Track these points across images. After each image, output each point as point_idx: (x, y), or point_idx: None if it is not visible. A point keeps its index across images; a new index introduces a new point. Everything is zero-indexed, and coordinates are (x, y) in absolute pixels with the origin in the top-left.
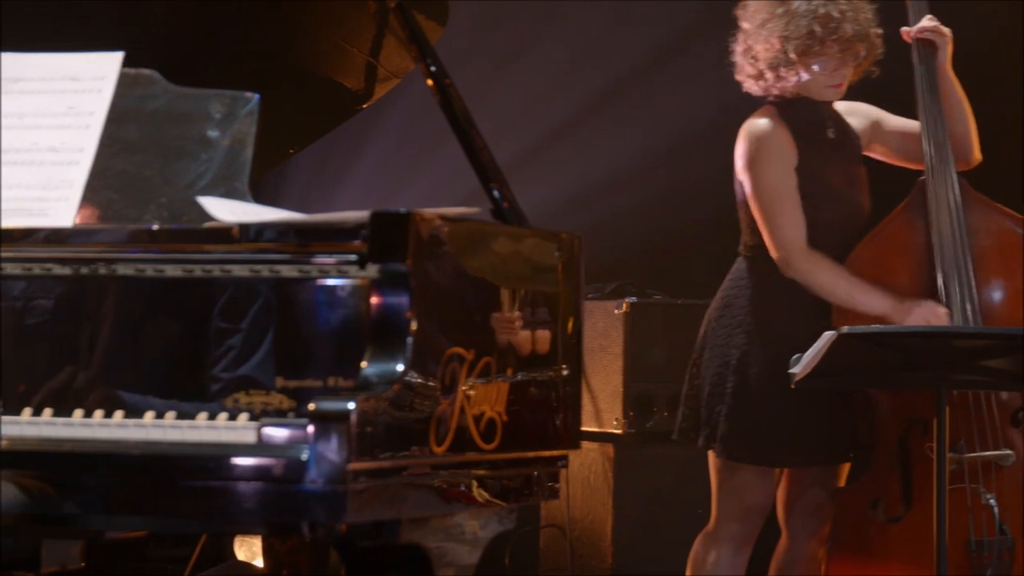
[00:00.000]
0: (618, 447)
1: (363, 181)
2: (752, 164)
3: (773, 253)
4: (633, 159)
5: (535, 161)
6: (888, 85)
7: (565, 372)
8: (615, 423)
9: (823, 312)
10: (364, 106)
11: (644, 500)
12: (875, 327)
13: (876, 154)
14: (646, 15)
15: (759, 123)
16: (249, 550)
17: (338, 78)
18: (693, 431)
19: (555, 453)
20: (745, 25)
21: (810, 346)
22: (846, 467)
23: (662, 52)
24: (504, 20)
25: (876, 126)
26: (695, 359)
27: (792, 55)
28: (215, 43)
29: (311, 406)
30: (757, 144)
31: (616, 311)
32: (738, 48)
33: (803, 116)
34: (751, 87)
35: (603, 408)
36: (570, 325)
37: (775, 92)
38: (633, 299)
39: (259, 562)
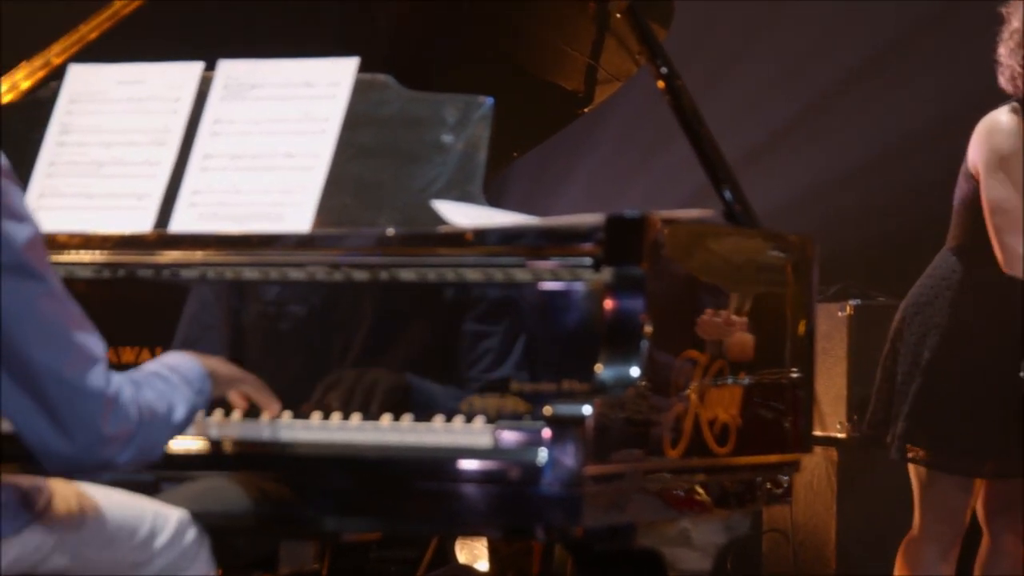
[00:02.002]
0: (841, 451)
1: (582, 185)
2: (993, 165)
3: (1000, 258)
4: (856, 159)
5: (756, 161)
6: None
7: (797, 375)
8: (838, 427)
9: None
10: (585, 110)
11: (868, 505)
12: None
13: None
14: (871, 13)
15: (1005, 122)
16: (470, 553)
17: (559, 81)
18: (881, 427)
19: (788, 457)
20: (1016, 24)
21: (1008, 353)
22: None
23: (888, 50)
24: (727, 18)
25: None
26: (887, 353)
27: None
28: (439, 48)
29: (547, 409)
30: (1001, 144)
31: (840, 313)
32: (1005, 47)
33: None
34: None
35: (826, 412)
36: (802, 328)
37: None
38: (857, 301)
39: (481, 565)
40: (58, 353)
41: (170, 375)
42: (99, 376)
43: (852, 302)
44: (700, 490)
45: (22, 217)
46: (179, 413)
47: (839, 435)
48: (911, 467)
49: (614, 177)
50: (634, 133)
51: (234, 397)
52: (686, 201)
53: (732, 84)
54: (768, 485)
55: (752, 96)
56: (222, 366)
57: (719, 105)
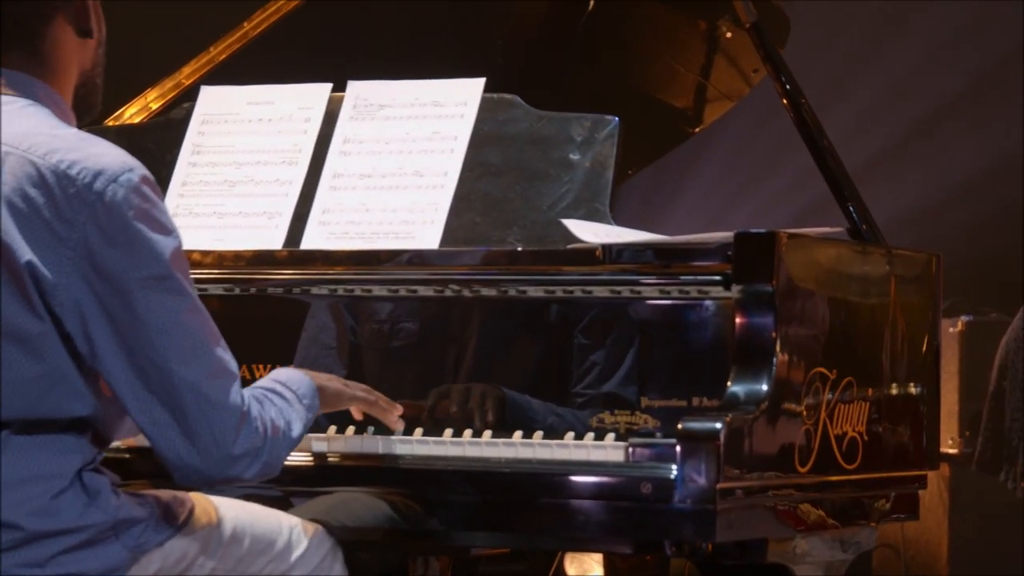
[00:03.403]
0: (953, 467)
1: (692, 203)
2: None
3: None
4: (966, 174)
5: (867, 177)
6: None
7: (923, 391)
8: (950, 443)
9: None
10: (697, 130)
11: (981, 521)
12: None
13: None
14: (983, 29)
15: None
16: (580, 567)
17: (671, 100)
18: (992, 464)
19: (914, 473)
20: None
21: None
22: None
23: (1002, 64)
24: (844, 27)
25: None
26: (994, 389)
27: None
28: (553, 68)
29: (679, 425)
30: None
31: (951, 329)
32: None
33: None
34: None
35: None
36: (925, 344)
37: None
38: (969, 317)
39: None
40: (199, 367)
41: (284, 391)
42: (236, 392)
43: (964, 318)
44: (831, 505)
45: (169, 230)
46: (296, 429)
47: (951, 451)
48: None
49: (724, 195)
50: (743, 153)
51: (354, 412)
52: (795, 220)
53: (843, 101)
54: (892, 501)
55: (863, 113)
56: (331, 382)
57: (831, 121)
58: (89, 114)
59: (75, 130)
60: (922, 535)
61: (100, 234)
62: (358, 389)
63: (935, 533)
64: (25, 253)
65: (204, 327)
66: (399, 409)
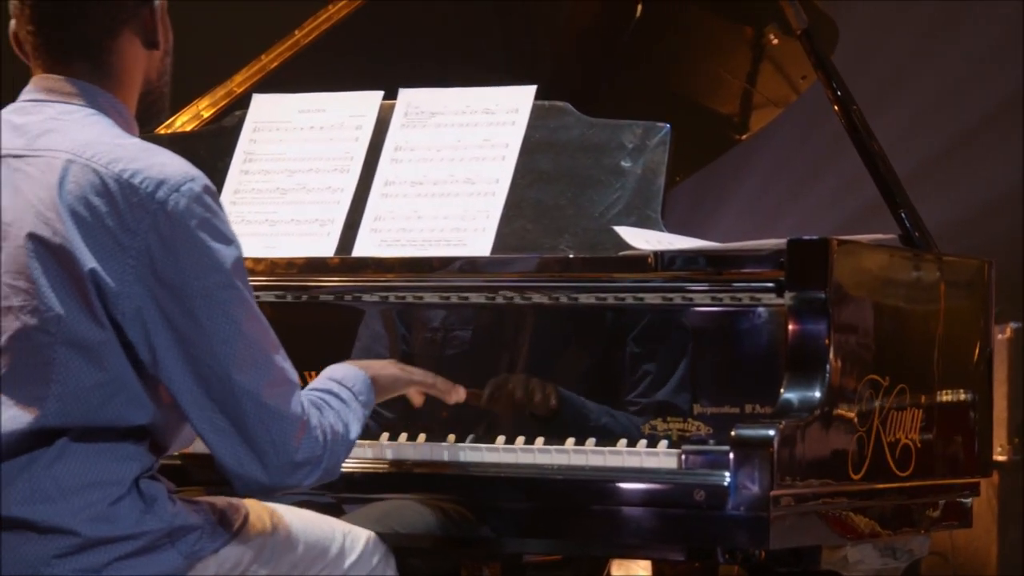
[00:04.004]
0: (1003, 474)
1: (740, 208)
2: None
3: None
4: (1020, 178)
5: (916, 182)
6: None
7: (975, 398)
8: (999, 450)
9: None
10: (744, 137)
11: None
12: None
13: None
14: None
15: None
16: (626, 572)
17: (717, 107)
18: None
19: (967, 481)
20: None
21: None
22: None
23: None
24: (894, 31)
25: None
26: None
27: None
28: (599, 74)
29: (732, 433)
30: None
31: (1000, 336)
32: None
33: None
34: None
35: None
36: (977, 350)
37: None
38: (1018, 324)
39: None
40: (259, 376)
41: (341, 391)
42: (296, 401)
43: (1012, 325)
44: (884, 513)
45: (230, 239)
46: (354, 431)
47: (1000, 458)
48: None
49: (772, 202)
50: (790, 159)
51: (411, 396)
52: (844, 226)
53: (893, 107)
54: (943, 509)
55: (914, 118)
56: (385, 369)
57: (881, 126)
58: (156, 120)
59: (137, 140)
60: (971, 542)
61: (162, 243)
62: (415, 373)
63: (984, 540)
64: (88, 261)
65: (265, 336)
66: (460, 390)
